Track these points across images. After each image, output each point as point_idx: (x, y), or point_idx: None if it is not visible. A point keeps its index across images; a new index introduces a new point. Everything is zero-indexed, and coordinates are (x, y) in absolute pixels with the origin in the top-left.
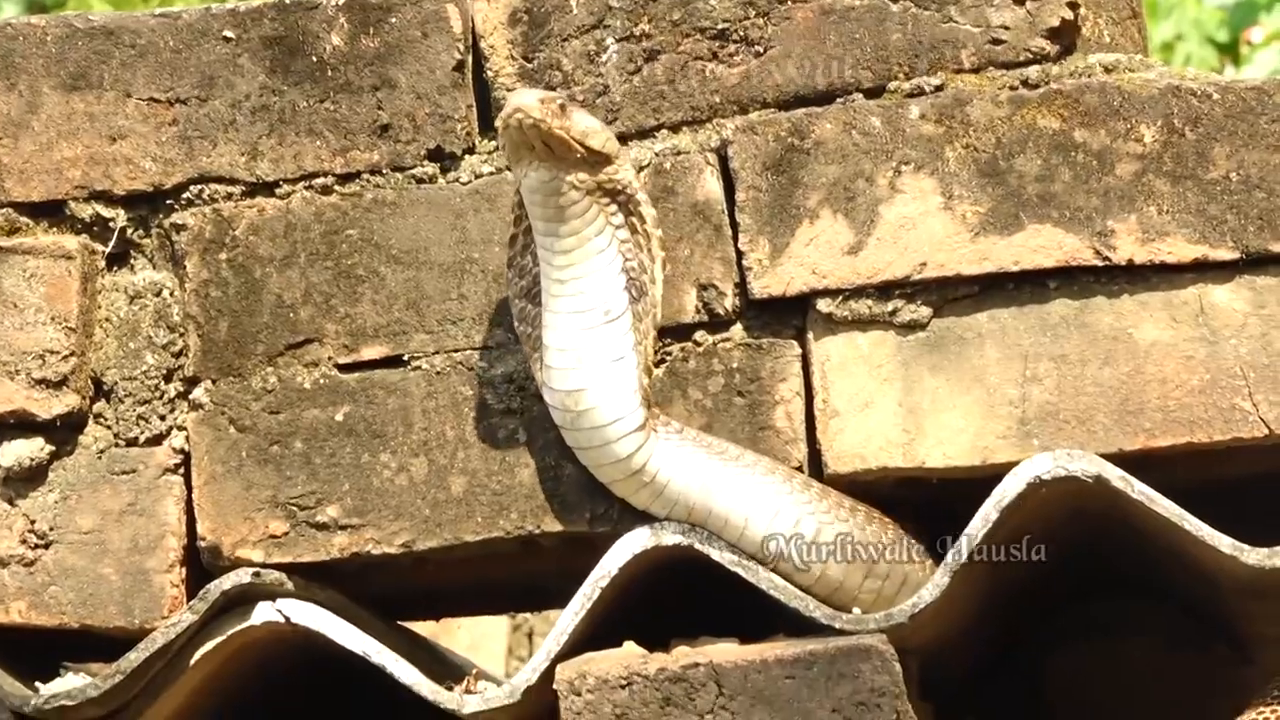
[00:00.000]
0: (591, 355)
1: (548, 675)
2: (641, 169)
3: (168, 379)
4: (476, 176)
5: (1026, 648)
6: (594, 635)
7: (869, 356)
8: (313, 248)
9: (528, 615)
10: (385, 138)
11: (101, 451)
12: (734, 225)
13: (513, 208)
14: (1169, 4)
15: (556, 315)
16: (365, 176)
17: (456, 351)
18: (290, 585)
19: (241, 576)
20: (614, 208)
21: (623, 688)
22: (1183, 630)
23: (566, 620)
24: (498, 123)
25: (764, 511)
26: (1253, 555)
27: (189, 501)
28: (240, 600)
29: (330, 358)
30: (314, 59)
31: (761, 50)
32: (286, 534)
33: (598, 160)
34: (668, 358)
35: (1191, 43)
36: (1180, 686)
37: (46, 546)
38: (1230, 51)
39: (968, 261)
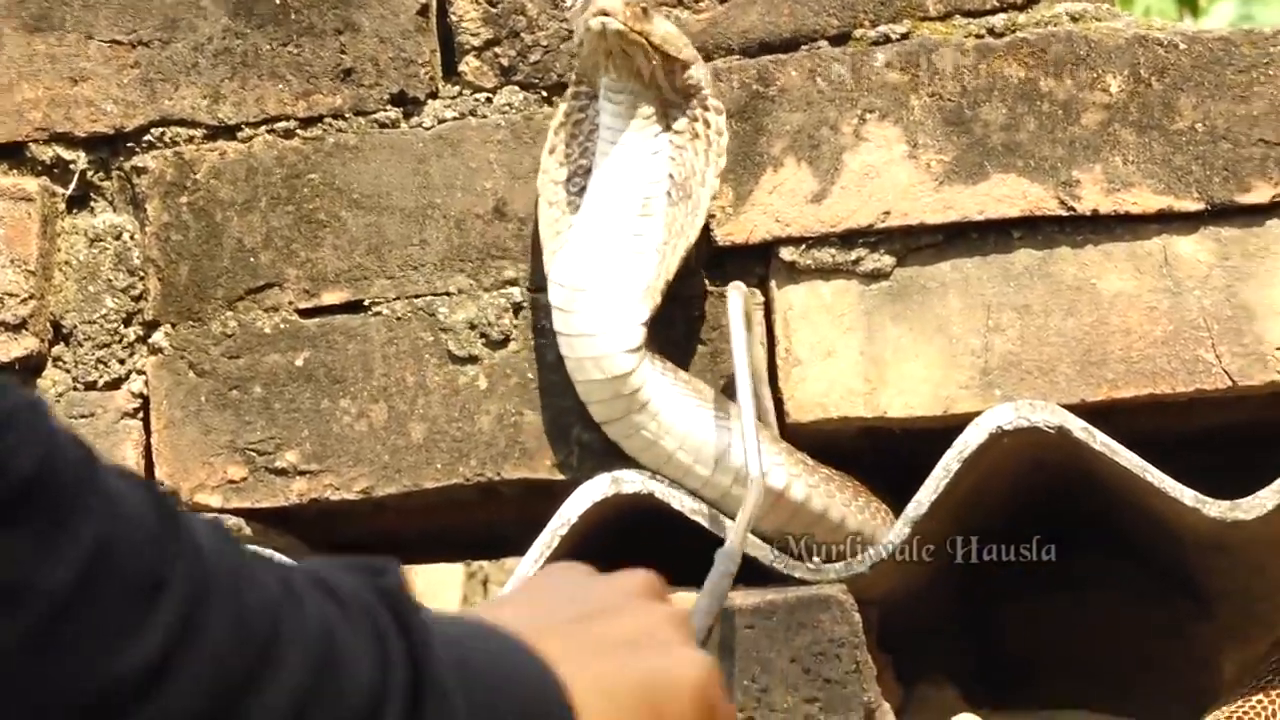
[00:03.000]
0: (613, 248)
1: None
2: None
3: (127, 323)
4: (440, 121)
5: (987, 599)
6: None
7: (831, 306)
8: (274, 192)
9: (483, 563)
10: (348, 82)
11: (60, 395)
12: None
13: (567, 96)
14: None
15: (590, 204)
16: (327, 120)
17: (418, 297)
18: (249, 531)
19: None
20: (683, 108)
21: None
22: (1144, 584)
23: (525, 568)
24: (582, 24)
25: (734, 458)
26: (1215, 508)
27: (148, 446)
28: None
29: (291, 302)
30: (277, 2)
31: None
32: (245, 479)
33: (674, 67)
34: None
35: None
36: (1141, 639)
37: None
38: (1189, 4)
39: (932, 211)
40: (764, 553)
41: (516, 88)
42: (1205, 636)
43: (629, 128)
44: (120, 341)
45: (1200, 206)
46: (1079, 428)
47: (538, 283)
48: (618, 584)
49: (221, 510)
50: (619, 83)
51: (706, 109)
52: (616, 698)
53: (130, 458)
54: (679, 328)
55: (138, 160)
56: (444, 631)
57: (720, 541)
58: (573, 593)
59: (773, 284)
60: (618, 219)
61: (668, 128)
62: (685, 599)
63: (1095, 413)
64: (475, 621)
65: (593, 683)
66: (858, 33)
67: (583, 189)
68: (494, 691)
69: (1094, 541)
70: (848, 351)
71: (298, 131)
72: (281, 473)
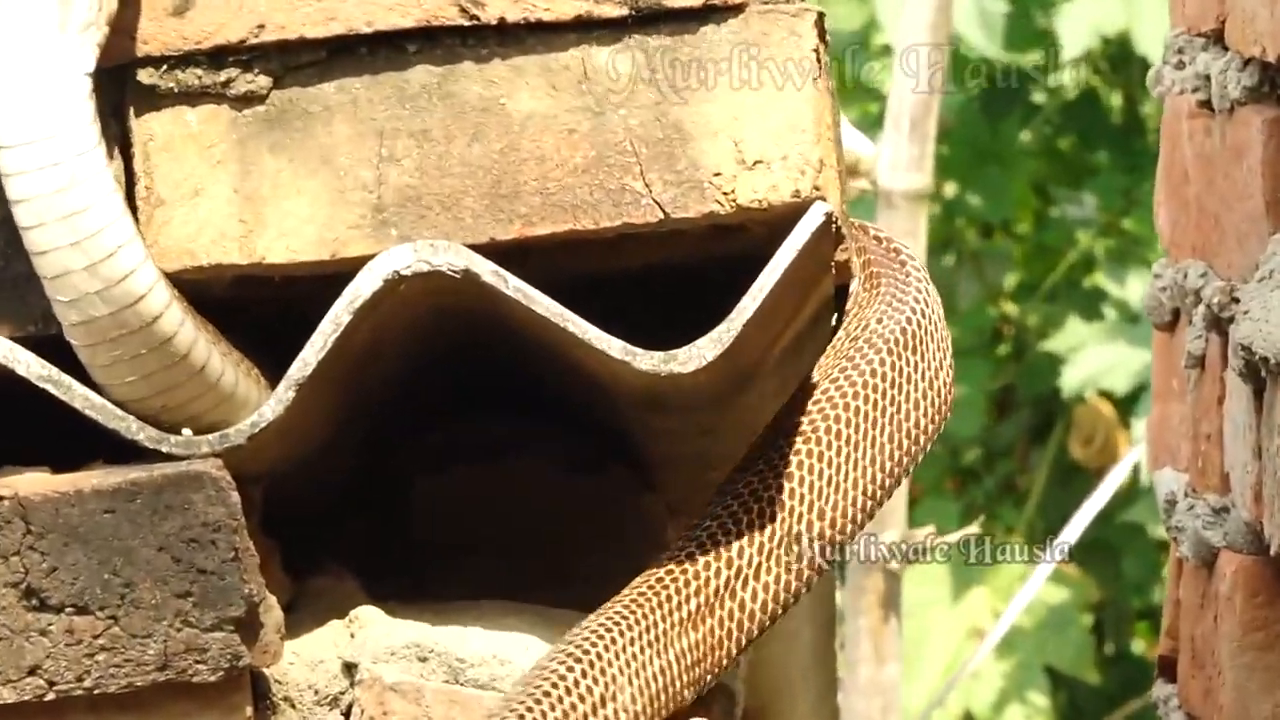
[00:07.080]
0: None
1: None
2: None
3: None
4: None
5: (393, 474)
6: None
7: (199, 135)
8: None
9: None
10: None
11: None
12: None
13: None
14: None
15: None
16: None
17: None
18: None
19: None
20: None
21: None
22: (578, 452)
23: None
24: None
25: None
26: (647, 360)
27: None
28: None
29: None
30: None
31: None
32: None
33: None
34: None
35: None
36: (579, 516)
37: None
38: None
39: (313, 22)
40: (126, 424)
41: None
42: (651, 510)
43: None
44: None
45: (623, 12)
46: (488, 271)
47: None
48: None
49: None
50: None
51: None
52: None
53: None
54: None
55: None
56: None
57: (75, 411)
58: None
59: (130, 112)
60: None
61: None
62: None
63: (509, 253)
64: None
65: None
66: None
67: None
68: None
69: (522, 407)
70: (219, 189)
71: None
72: None
